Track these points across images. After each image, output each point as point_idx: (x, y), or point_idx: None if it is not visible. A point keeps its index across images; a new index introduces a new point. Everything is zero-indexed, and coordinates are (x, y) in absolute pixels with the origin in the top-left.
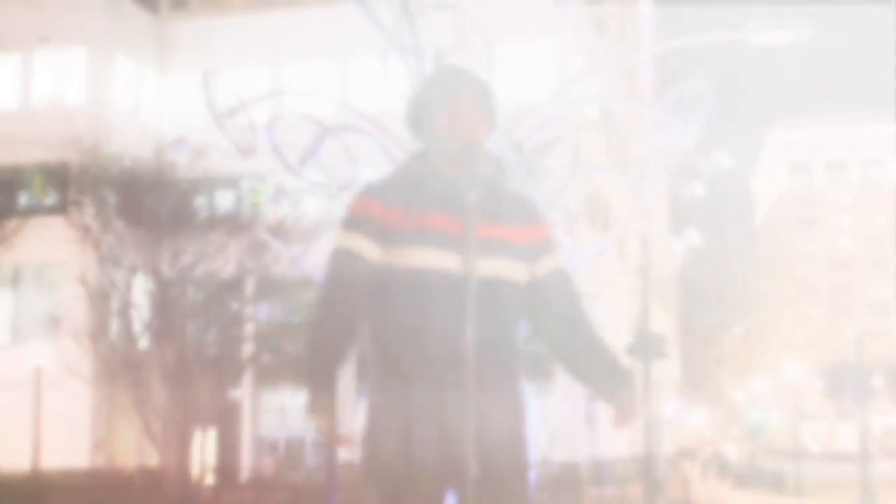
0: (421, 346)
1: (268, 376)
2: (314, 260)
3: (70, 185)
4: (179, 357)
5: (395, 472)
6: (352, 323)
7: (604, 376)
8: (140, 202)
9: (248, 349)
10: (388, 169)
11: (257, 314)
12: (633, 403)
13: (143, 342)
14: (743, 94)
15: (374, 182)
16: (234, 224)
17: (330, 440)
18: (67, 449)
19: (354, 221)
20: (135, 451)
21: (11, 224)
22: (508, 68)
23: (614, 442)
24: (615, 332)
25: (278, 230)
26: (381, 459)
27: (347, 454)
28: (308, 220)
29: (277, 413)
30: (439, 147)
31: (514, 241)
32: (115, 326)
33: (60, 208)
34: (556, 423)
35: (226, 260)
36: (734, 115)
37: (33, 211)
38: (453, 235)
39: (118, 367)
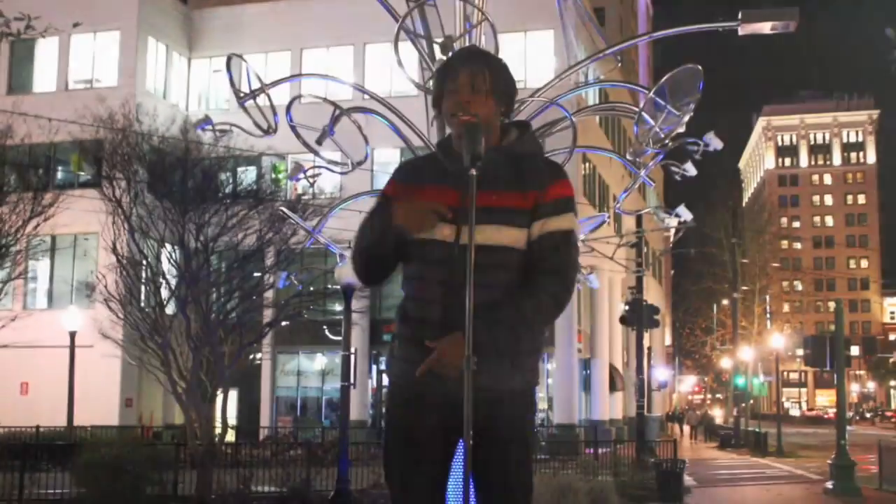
0: (422, 310)
1: (286, 340)
2: (330, 233)
3: (103, 161)
4: (203, 322)
5: (405, 423)
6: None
7: (482, 325)
8: (168, 178)
9: (267, 315)
10: (398, 147)
11: (277, 283)
12: (452, 350)
13: (171, 308)
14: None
15: (403, 162)
16: (256, 199)
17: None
18: (100, 407)
19: (379, 202)
20: (162, 410)
21: (49, 197)
22: (512, 55)
23: (608, 406)
24: (610, 301)
25: (296, 204)
26: (393, 410)
27: (357, 414)
28: (324, 195)
29: (294, 375)
30: (450, 125)
31: (514, 207)
32: (144, 293)
33: (95, 183)
34: (555, 387)
35: (247, 232)
36: (725, 100)
37: (69, 185)
38: (452, 207)
39: (147, 332)
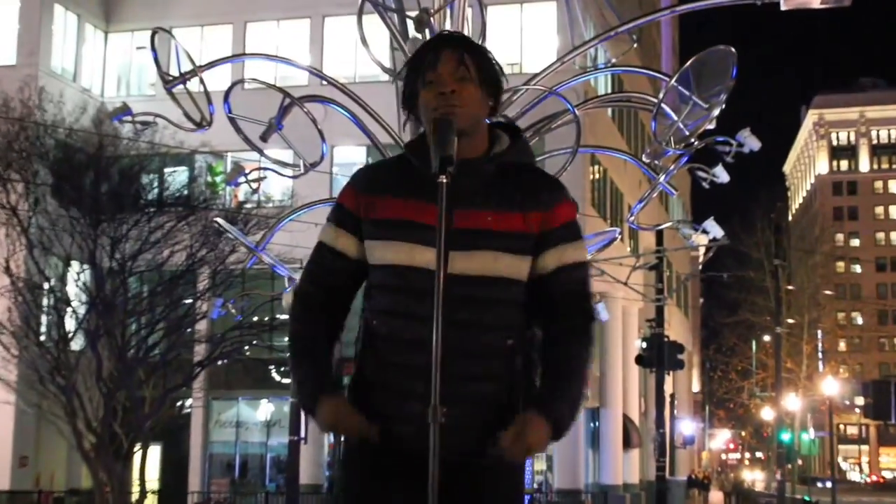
0: (400, 352)
1: (222, 384)
2: (277, 250)
3: None
4: (119, 360)
5: (367, 499)
6: (330, 325)
7: (539, 395)
8: (77, 180)
9: (199, 352)
10: (363, 145)
11: (211, 312)
12: (536, 440)
13: (77, 343)
14: (776, 64)
15: (363, 167)
16: (186, 207)
17: (349, 432)
18: None
19: (334, 212)
20: (65, 470)
21: None
22: (505, 32)
23: (621, 467)
24: (624, 336)
25: (236, 215)
26: (351, 482)
27: (309, 476)
28: (271, 204)
29: (232, 427)
30: (425, 125)
31: (514, 231)
32: (45, 324)
33: None
34: (556, 444)
35: (175, 248)
36: (767, 90)
37: None
38: (430, 226)
39: (47, 372)
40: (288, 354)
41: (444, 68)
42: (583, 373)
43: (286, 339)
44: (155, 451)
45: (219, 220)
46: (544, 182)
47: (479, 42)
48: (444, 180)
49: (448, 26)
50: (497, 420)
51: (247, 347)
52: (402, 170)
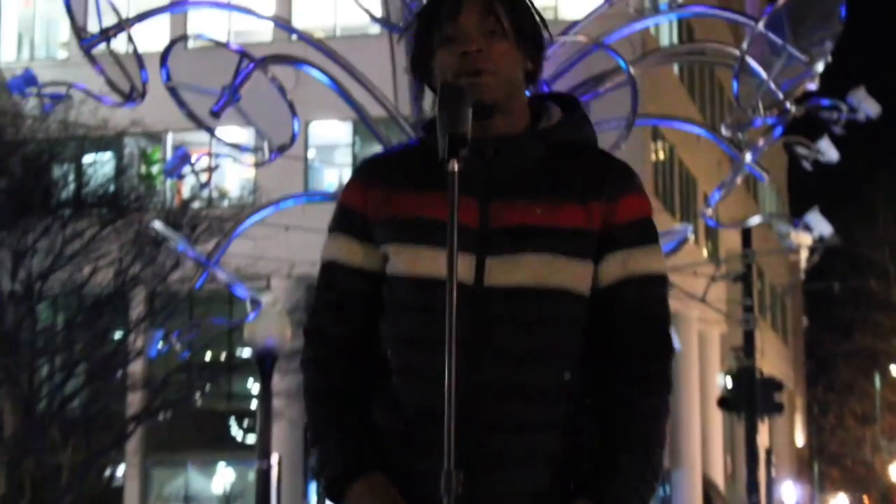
0: (422, 393)
1: (164, 444)
2: (236, 263)
3: None
4: (25, 415)
5: None
6: (364, 376)
7: (593, 475)
8: None
9: (133, 402)
10: (347, 119)
11: (148, 348)
12: None
13: None
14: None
15: (371, 156)
16: (113, 208)
17: None
18: None
19: (337, 217)
20: None
21: None
22: None
23: None
24: (703, 371)
25: (181, 217)
26: None
27: None
28: (227, 202)
29: (180, 502)
30: None
31: (573, 227)
32: None
33: None
34: None
35: (99, 264)
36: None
37: None
38: (464, 227)
39: None
40: (307, 420)
41: (467, 19)
42: (659, 440)
43: (254, 387)
44: None
45: (157, 224)
46: (610, 165)
47: None
48: (456, 167)
49: None
50: (550, 487)
51: (197, 395)
52: (422, 158)
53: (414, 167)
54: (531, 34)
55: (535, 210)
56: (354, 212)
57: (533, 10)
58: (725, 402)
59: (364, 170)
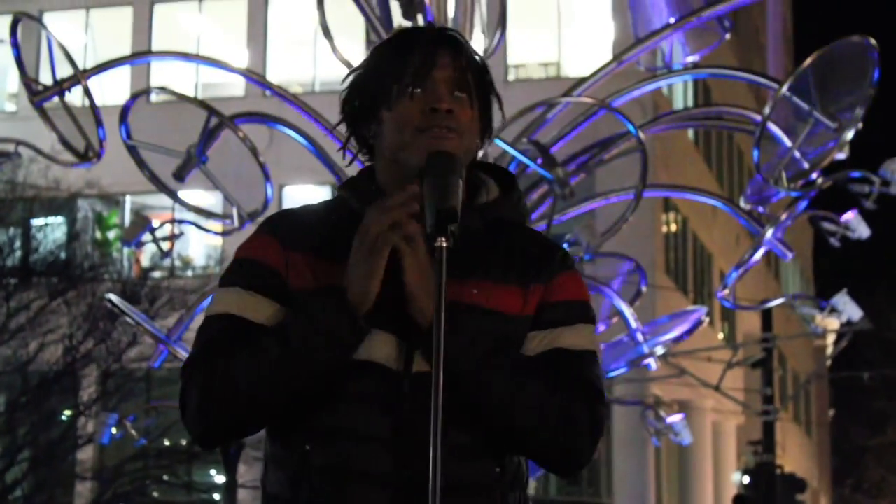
0: (340, 490)
1: None
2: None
3: None
4: None
5: None
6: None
7: None
8: None
9: (82, 494)
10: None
11: (99, 434)
12: None
13: None
14: None
15: (284, 211)
16: (63, 279)
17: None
18: None
19: (238, 271)
20: None
21: None
22: (536, 19)
23: None
24: (717, 467)
25: (139, 289)
26: None
27: None
28: (190, 272)
29: None
30: (389, 156)
31: (501, 309)
32: None
33: None
34: None
35: (46, 339)
36: None
37: None
38: (389, 306)
39: None
40: (253, 384)
41: (441, 75)
42: (537, 396)
43: (218, 478)
44: None
45: (112, 297)
46: (547, 246)
47: (498, 33)
48: (444, 244)
49: (451, 10)
50: None
51: (154, 489)
52: (347, 221)
53: (339, 232)
54: (489, 114)
55: (471, 290)
56: (267, 269)
57: (493, 91)
58: (742, 502)
59: (280, 227)
